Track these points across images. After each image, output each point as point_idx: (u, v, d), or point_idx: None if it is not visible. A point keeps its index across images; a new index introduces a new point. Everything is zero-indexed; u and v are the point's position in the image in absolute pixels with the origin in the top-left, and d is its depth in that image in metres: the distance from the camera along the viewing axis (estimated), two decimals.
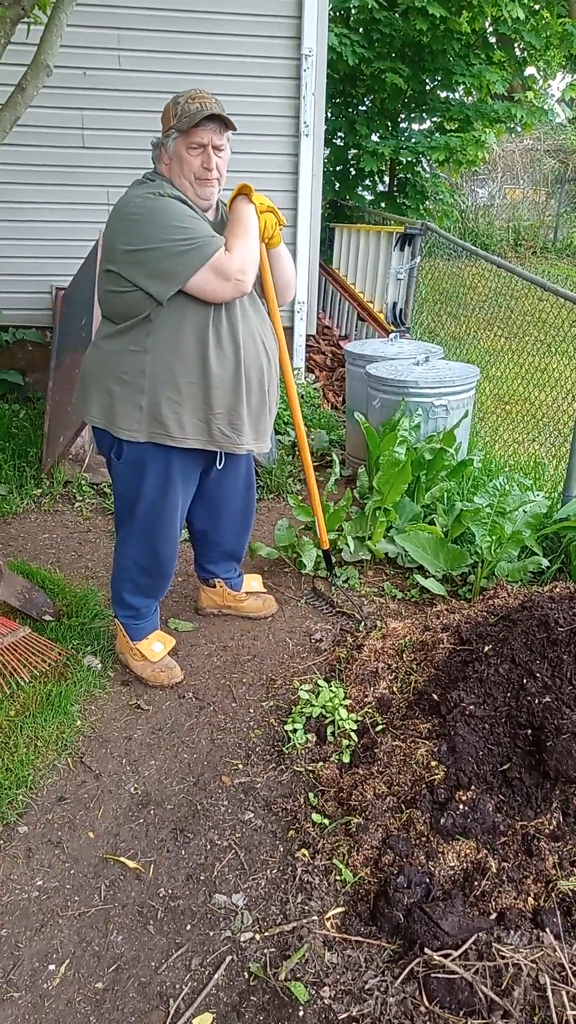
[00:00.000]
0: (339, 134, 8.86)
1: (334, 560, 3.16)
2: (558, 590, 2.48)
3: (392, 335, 4.60)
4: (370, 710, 2.30)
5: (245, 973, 1.64)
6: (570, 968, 1.54)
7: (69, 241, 4.80)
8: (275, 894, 1.82)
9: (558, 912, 1.66)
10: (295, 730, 2.28)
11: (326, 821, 1.98)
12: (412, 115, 9.21)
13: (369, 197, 9.61)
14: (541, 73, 11.22)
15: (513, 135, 13.24)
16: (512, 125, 9.53)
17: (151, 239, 2.02)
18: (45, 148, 4.65)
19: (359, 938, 1.68)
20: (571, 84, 10.58)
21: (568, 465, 3.28)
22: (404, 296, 5.60)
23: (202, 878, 1.87)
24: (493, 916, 1.66)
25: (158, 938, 1.73)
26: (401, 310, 5.63)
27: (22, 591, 2.76)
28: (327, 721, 2.29)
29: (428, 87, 8.86)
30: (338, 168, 9.12)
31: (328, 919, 1.73)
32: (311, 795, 2.08)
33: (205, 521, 2.64)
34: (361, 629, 2.81)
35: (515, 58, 9.17)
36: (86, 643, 2.68)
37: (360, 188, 9.35)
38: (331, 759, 2.18)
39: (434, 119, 9.08)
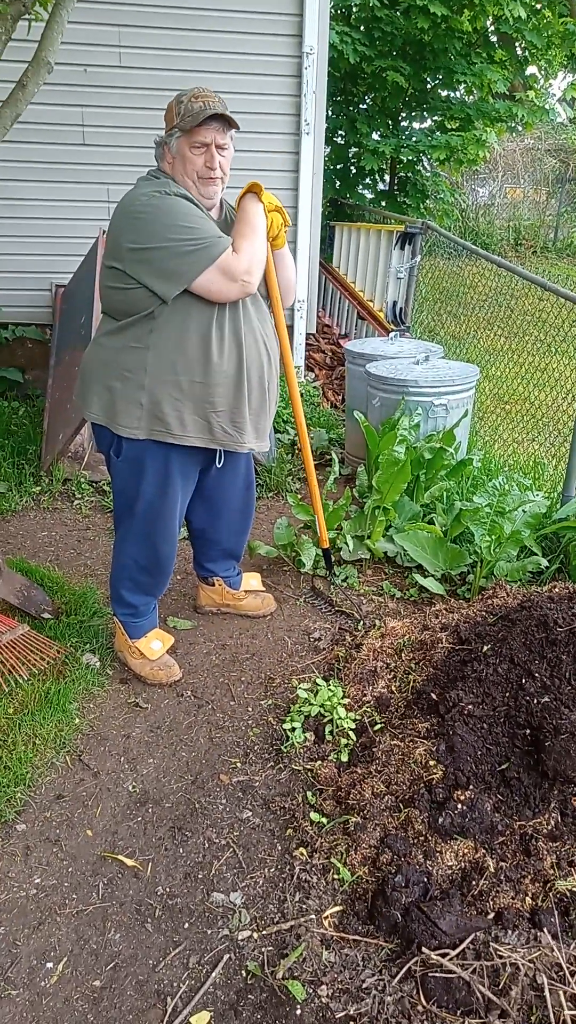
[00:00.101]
0: (340, 132, 8.85)
1: (333, 559, 3.16)
2: (557, 590, 2.48)
3: (392, 334, 4.60)
4: (368, 709, 2.30)
5: (243, 971, 1.64)
6: (567, 968, 1.55)
7: (69, 238, 4.79)
8: (273, 893, 1.82)
9: (556, 912, 1.66)
10: (293, 729, 2.28)
11: (324, 820, 1.98)
12: (413, 114, 9.20)
13: (369, 196, 9.60)
14: (542, 72, 11.21)
15: (514, 134, 13.24)
16: (513, 124, 9.52)
17: (157, 238, 2.01)
18: (46, 145, 4.64)
19: (357, 937, 1.68)
20: (572, 83, 10.56)
21: (568, 465, 3.28)
22: (404, 295, 5.60)
23: (200, 876, 1.87)
24: (491, 916, 1.66)
25: (156, 936, 1.73)
26: (401, 309, 5.63)
27: (21, 589, 2.76)
28: (325, 720, 2.29)
29: (429, 86, 8.85)
30: (339, 166, 9.11)
31: (326, 918, 1.73)
32: (309, 794, 2.08)
33: (204, 519, 2.64)
34: (360, 628, 2.81)
35: (516, 57, 9.16)
36: (85, 641, 2.68)
37: (361, 187, 9.34)
38: (329, 758, 2.18)
39: (435, 118, 9.06)
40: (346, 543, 3.25)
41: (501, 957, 1.56)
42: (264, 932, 1.72)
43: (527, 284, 4.41)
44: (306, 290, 5.22)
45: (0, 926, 1.74)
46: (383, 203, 9.20)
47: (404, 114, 9.16)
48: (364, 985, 1.58)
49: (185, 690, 2.53)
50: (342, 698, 2.35)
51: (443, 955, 1.57)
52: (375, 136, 8.72)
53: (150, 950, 1.70)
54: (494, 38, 8.85)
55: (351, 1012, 1.53)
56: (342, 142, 9.02)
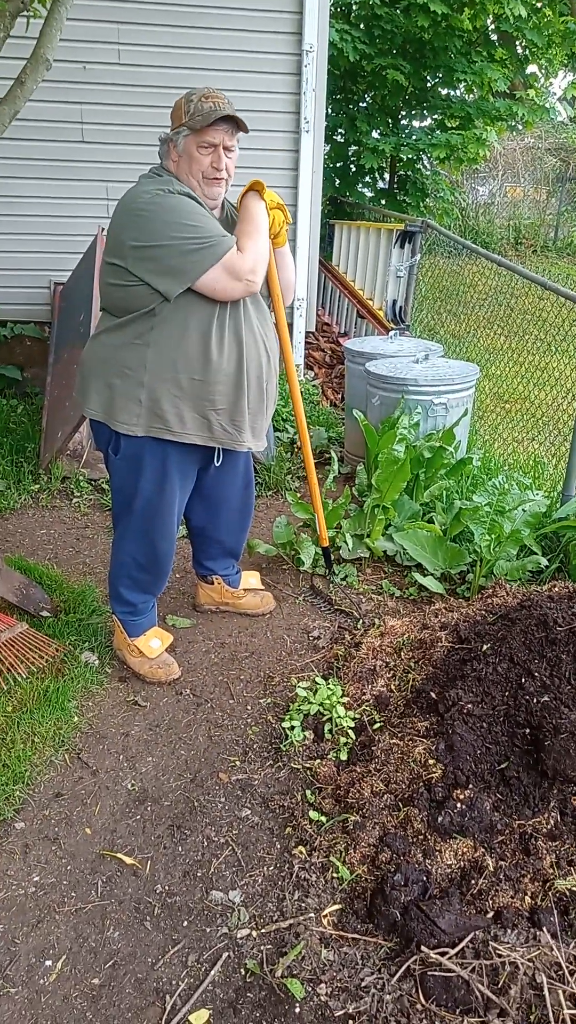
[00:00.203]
0: (339, 130, 8.84)
1: (332, 557, 3.15)
2: (557, 589, 2.48)
3: (392, 333, 4.60)
4: (368, 708, 2.30)
5: (242, 970, 1.64)
6: (567, 967, 1.54)
7: (68, 236, 4.78)
8: (272, 891, 1.82)
9: (555, 911, 1.66)
10: (293, 727, 2.27)
11: (323, 818, 1.98)
12: (413, 112, 9.19)
13: (369, 194, 9.59)
14: (543, 71, 11.19)
15: (514, 133, 13.23)
16: (513, 123, 9.51)
17: (161, 236, 2.01)
18: (44, 142, 4.63)
19: (356, 935, 1.68)
20: (573, 82, 10.55)
21: (568, 464, 3.28)
22: (404, 294, 5.60)
23: (199, 875, 1.87)
24: (490, 915, 1.66)
25: (155, 934, 1.73)
26: (401, 308, 5.62)
27: (19, 587, 2.76)
28: (325, 719, 2.29)
29: (429, 84, 8.84)
30: (338, 165, 9.10)
31: (325, 916, 1.73)
32: (308, 792, 2.07)
33: (203, 518, 2.64)
34: (359, 627, 2.81)
35: (516, 56, 9.14)
36: (83, 639, 2.68)
37: (360, 185, 9.32)
38: (329, 757, 2.18)
39: (435, 116, 9.05)
40: (345, 542, 3.24)
41: (500, 956, 1.56)
42: (263, 930, 1.72)
43: (527, 283, 4.41)
44: (306, 288, 5.21)
45: None
46: (383, 201, 9.19)
47: (404, 112, 9.14)
48: (363, 983, 1.58)
49: (184, 688, 2.53)
50: (341, 697, 2.35)
51: (442, 954, 1.57)
52: (375, 134, 8.71)
53: (149, 948, 1.70)
54: (494, 36, 8.84)
55: (350, 1010, 1.53)
56: (342, 140, 9.00)
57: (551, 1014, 1.46)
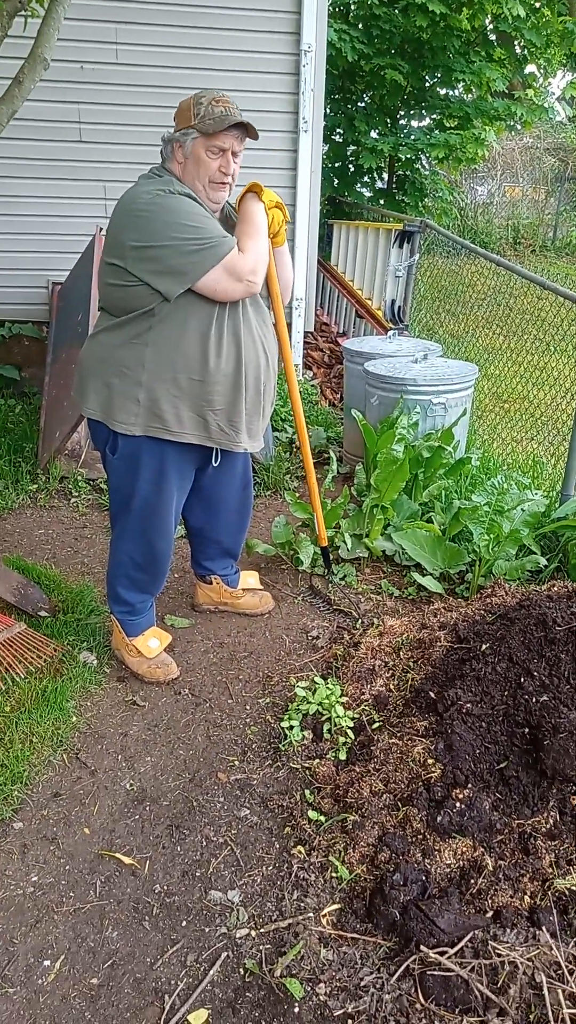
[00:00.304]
0: (338, 130, 8.83)
1: (331, 557, 3.15)
2: (556, 589, 2.48)
3: (390, 332, 4.60)
4: (367, 707, 2.30)
5: (240, 969, 1.64)
6: (566, 966, 1.54)
7: (66, 236, 4.78)
8: (271, 891, 1.82)
9: (554, 910, 1.66)
10: (291, 727, 2.27)
11: (322, 818, 1.98)
12: (411, 112, 9.18)
13: (368, 194, 9.58)
14: (541, 71, 11.18)
15: (513, 133, 13.23)
16: (512, 123, 9.50)
17: (161, 236, 2.00)
18: (42, 142, 4.63)
19: (355, 935, 1.68)
20: (571, 82, 10.54)
21: (567, 464, 3.28)
22: (403, 293, 5.60)
23: (198, 874, 1.87)
24: (489, 914, 1.66)
25: (153, 934, 1.73)
26: (399, 307, 5.62)
27: (17, 587, 2.76)
28: (324, 718, 2.29)
29: (428, 84, 8.83)
30: (337, 164, 9.09)
31: (324, 916, 1.73)
32: (307, 792, 2.07)
33: (202, 518, 2.64)
34: (358, 626, 2.81)
35: (515, 56, 9.13)
36: (82, 639, 2.67)
37: (359, 185, 9.32)
38: (327, 756, 2.17)
39: (433, 116, 9.04)
40: (344, 541, 3.24)
41: (500, 955, 1.56)
42: (262, 930, 1.72)
43: (526, 283, 4.41)
44: (304, 288, 5.21)
45: None
46: (381, 201, 9.18)
47: (403, 112, 9.14)
48: (362, 983, 1.58)
49: (183, 688, 2.53)
50: (340, 696, 2.34)
51: (441, 953, 1.57)
52: (373, 134, 8.70)
53: (148, 948, 1.70)
54: (493, 36, 8.83)
55: (349, 1010, 1.53)
56: (340, 140, 9.00)
57: (550, 1013, 1.46)
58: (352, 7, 8.14)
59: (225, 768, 2.20)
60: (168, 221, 2.01)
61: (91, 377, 2.22)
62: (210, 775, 2.17)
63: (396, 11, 7.88)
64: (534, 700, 1.99)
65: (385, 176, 9.42)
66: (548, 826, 1.81)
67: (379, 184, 9.55)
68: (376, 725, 2.23)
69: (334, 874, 1.82)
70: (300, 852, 1.89)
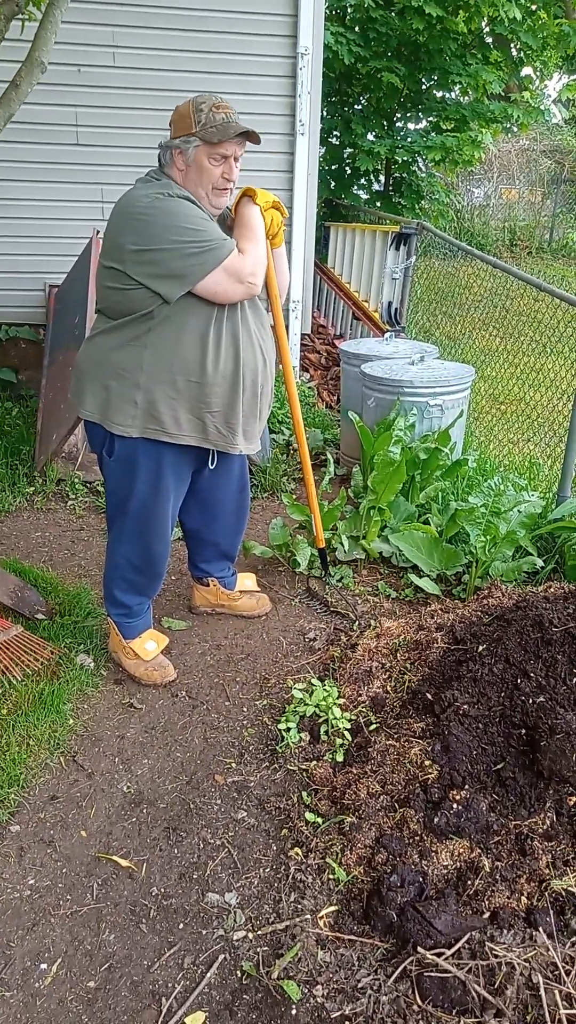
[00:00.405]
0: (335, 133, 8.85)
1: (328, 559, 3.15)
2: (552, 590, 2.48)
3: (387, 334, 4.60)
4: (364, 709, 2.30)
5: (238, 972, 1.64)
6: (563, 967, 1.54)
7: (63, 238, 4.78)
8: (268, 893, 1.82)
9: (551, 911, 1.66)
10: (288, 729, 2.27)
11: (319, 820, 1.98)
12: (408, 114, 9.20)
13: (365, 196, 9.60)
14: (537, 73, 11.22)
15: (509, 135, 13.26)
16: (508, 125, 9.54)
17: (161, 240, 2.01)
18: (39, 145, 4.63)
19: (352, 937, 1.68)
20: (567, 85, 10.59)
21: (563, 465, 3.29)
22: (399, 295, 5.60)
23: (195, 877, 1.87)
24: (486, 915, 1.66)
25: (150, 937, 1.73)
26: (396, 309, 5.63)
27: (14, 589, 2.75)
28: (321, 720, 2.29)
29: (424, 86, 8.85)
30: (334, 167, 9.11)
31: (321, 918, 1.73)
32: (304, 794, 2.07)
33: (198, 520, 2.64)
34: (355, 628, 2.81)
35: (511, 58, 9.15)
36: (79, 642, 2.67)
37: (356, 187, 9.33)
38: (324, 758, 2.17)
39: (430, 119, 9.06)
40: (341, 543, 3.24)
41: (497, 956, 1.56)
42: (259, 932, 1.72)
43: (522, 285, 4.42)
44: (301, 290, 5.22)
45: None
46: (378, 204, 9.19)
47: (399, 115, 9.15)
48: (360, 985, 1.58)
49: (180, 691, 2.53)
50: (337, 698, 2.34)
51: (439, 955, 1.57)
52: (370, 137, 8.71)
53: (145, 951, 1.70)
54: (489, 39, 8.85)
55: (347, 1012, 1.53)
56: (337, 143, 9.01)
57: (547, 1014, 1.46)
58: (349, 10, 8.15)
59: (222, 770, 2.20)
60: (167, 224, 2.02)
61: (88, 379, 2.22)
62: (207, 777, 2.17)
63: (392, 14, 7.90)
64: (531, 701, 1.99)
65: (382, 178, 9.43)
66: (545, 827, 1.81)
67: (376, 186, 9.57)
68: (373, 727, 2.23)
69: (331, 876, 1.82)
70: (297, 854, 1.89)
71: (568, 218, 14.71)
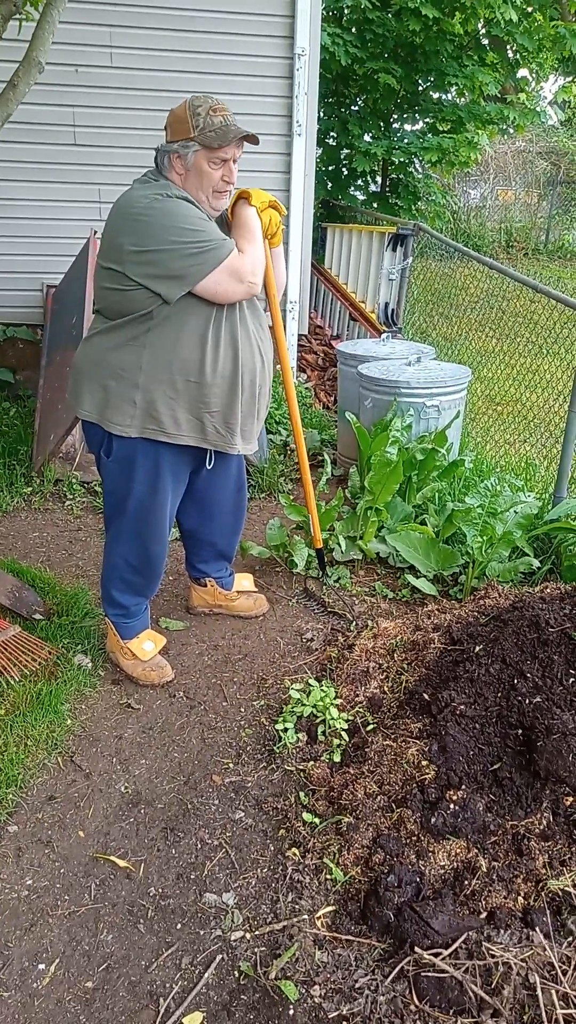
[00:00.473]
0: (331, 134, 8.85)
1: (325, 559, 3.16)
2: (549, 591, 2.49)
3: (384, 335, 4.61)
4: (361, 709, 2.30)
5: (235, 972, 1.64)
6: (560, 967, 1.55)
7: (60, 239, 4.78)
8: (266, 893, 1.82)
9: (548, 911, 1.67)
10: (286, 729, 2.28)
11: (317, 820, 1.98)
12: (405, 115, 9.21)
13: (361, 197, 9.61)
14: (533, 75, 11.23)
15: (505, 137, 13.27)
16: (504, 127, 9.54)
17: (160, 240, 2.01)
18: (36, 145, 4.63)
19: (349, 937, 1.68)
20: (563, 87, 10.61)
21: (559, 466, 3.30)
22: (396, 296, 5.61)
23: (192, 877, 1.87)
24: (483, 915, 1.67)
25: (148, 937, 1.73)
26: (393, 310, 5.64)
27: (12, 590, 2.75)
28: (318, 720, 2.30)
29: (421, 88, 8.86)
30: (330, 168, 9.11)
31: (319, 918, 1.73)
32: (302, 794, 2.08)
33: (195, 521, 2.64)
34: (352, 629, 2.81)
35: (508, 60, 9.17)
36: (76, 642, 2.67)
37: (352, 188, 9.34)
38: (322, 758, 2.18)
39: (427, 120, 9.08)
40: (338, 544, 3.25)
41: (493, 956, 1.57)
42: (257, 932, 1.72)
43: (518, 286, 4.43)
44: (298, 291, 5.22)
45: None
46: (375, 205, 9.20)
47: (396, 116, 9.16)
48: (357, 985, 1.58)
49: (177, 691, 2.53)
50: (334, 698, 2.35)
51: (436, 955, 1.58)
52: (367, 138, 8.72)
53: (142, 951, 1.70)
54: (485, 41, 8.87)
55: (344, 1012, 1.54)
56: (334, 143, 9.02)
57: (544, 1014, 1.47)
58: (345, 11, 8.16)
59: (220, 771, 2.20)
60: (167, 225, 2.02)
61: (86, 379, 2.22)
62: (205, 778, 2.17)
63: (389, 15, 7.91)
64: (527, 701, 2.00)
65: (378, 179, 9.45)
66: (541, 827, 1.82)
67: (372, 187, 9.58)
68: (370, 727, 2.23)
69: (328, 876, 1.82)
70: (295, 854, 1.90)
71: (564, 219, 14.74)
